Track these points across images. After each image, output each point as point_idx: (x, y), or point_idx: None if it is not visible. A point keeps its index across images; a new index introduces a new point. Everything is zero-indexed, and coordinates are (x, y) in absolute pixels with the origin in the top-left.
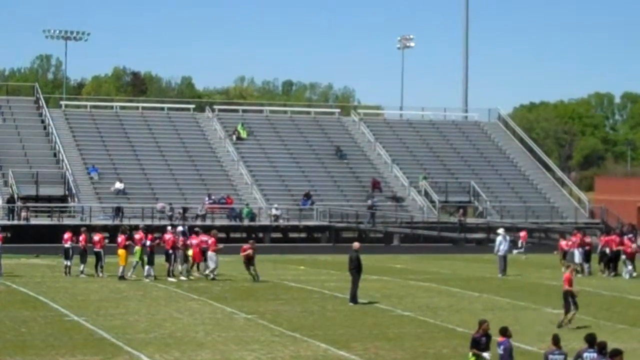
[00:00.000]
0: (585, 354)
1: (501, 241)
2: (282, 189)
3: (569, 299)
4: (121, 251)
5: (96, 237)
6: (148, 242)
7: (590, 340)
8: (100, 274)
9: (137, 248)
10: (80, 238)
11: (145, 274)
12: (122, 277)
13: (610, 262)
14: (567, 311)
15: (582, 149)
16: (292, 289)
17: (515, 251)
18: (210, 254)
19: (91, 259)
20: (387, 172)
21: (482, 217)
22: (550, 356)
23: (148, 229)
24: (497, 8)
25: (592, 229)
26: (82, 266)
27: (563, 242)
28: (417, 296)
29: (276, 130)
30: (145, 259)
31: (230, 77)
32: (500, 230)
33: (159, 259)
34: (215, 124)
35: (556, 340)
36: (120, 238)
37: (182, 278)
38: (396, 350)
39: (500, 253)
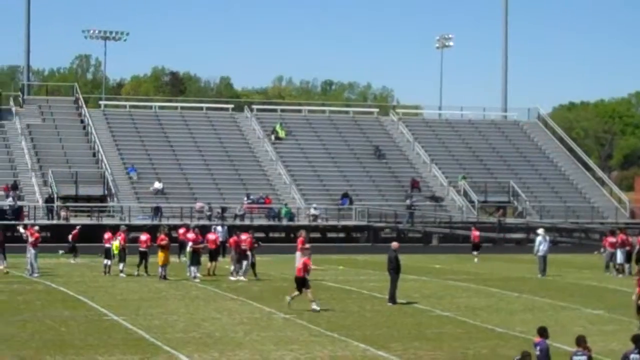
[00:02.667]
0: (632, 355)
1: (541, 241)
2: (320, 189)
3: None
4: (161, 251)
5: (143, 236)
6: (191, 243)
7: (638, 341)
8: (144, 274)
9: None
10: (120, 237)
11: (191, 275)
12: (163, 277)
13: None
14: None
15: (623, 149)
16: (330, 289)
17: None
18: (298, 254)
19: (130, 259)
20: (426, 171)
21: (522, 217)
22: (574, 357)
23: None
24: (536, 7)
25: (633, 229)
26: (121, 265)
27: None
28: (456, 296)
29: (315, 130)
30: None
31: (268, 76)
32: (540, 231)
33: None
34: (253, 124)
35: (579, 341)
36: (160, 237)
37: (241, 278)
38: (435, 351)
39: (540, 253)
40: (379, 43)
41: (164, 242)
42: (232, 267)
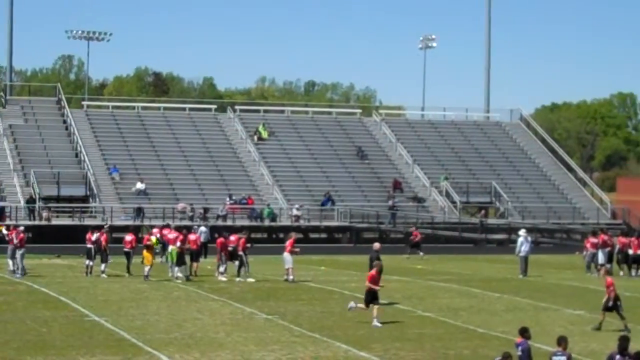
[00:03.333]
0: (618, 356)
1: (522, 242)
2: (303, 190)
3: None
4: (146, 252)
5: (128, 237)
6: (178, 243)
7: (623, 342)
8: (126, 274)
9: (172, 248)
10: (102, 238)
11: (174, 275)
12: (147, 277)
13: (634, 263)
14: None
15: (604, 150)
16: (312, 290)
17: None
18: (285, 254)
19: (114, 259)
20: (408, 172)
21: (504, 217)
22: (554, 357)
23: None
24: (519, 8)
25: (614, 230)
26: (103, 266)
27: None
28: (438, 297)
29: (297, 130)
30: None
31: (251, 77)
32: (522, 231)
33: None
34: (236, 125)
35: (560, 341)
36: (145, 237)
37: (222, 278)
38: (416, 351)
39: (522, 254)
40: (362, 43)
41: (149, 243)
42: (222, 268)
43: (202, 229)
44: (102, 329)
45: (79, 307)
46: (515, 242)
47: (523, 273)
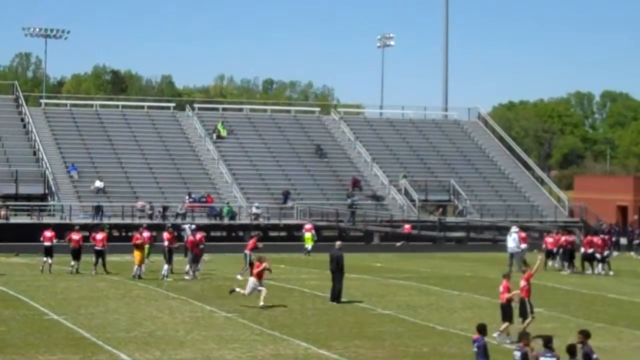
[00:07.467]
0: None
1: (507, 238)
2: (262, 188)
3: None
4: (137, 250)
5: (99, 235)
6: (166, 243)
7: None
8: (103, 272)
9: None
10: (79, 237)
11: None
12: (139, 277)
13: (588, 260)
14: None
15: (562, 148)
16: (272, 288)
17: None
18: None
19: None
20: (367, 170)
21: (462, 215)
22: (542, 358)
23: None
24: (477, 7)
25: (572, 228)
26: (76, 264)
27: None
28: (397, 295)
29: (256, 128)
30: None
31: (210, 75)
32: (513, 228)
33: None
34: (195, 123)
35: (521, 337)
36: (134, 237)
37: (186, 277)
38: (376, 349)
39: (510, 250)
40: (320, 42)
41: (139, 242)
42: (187, 267)
43: (188, 227)
44: (61, 327)
45: (38, 305)
46: (472, 240)
47: (509, 267)
